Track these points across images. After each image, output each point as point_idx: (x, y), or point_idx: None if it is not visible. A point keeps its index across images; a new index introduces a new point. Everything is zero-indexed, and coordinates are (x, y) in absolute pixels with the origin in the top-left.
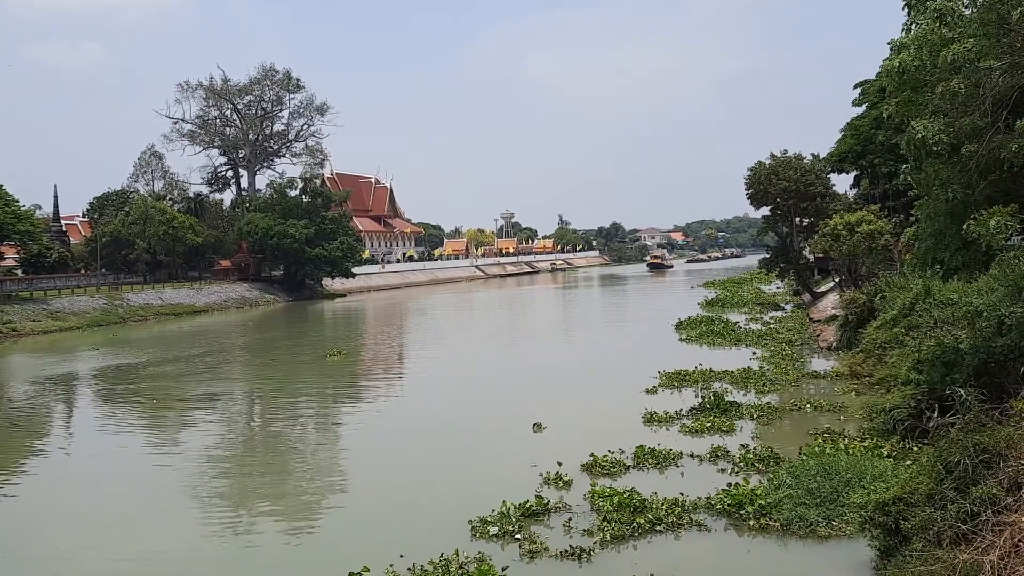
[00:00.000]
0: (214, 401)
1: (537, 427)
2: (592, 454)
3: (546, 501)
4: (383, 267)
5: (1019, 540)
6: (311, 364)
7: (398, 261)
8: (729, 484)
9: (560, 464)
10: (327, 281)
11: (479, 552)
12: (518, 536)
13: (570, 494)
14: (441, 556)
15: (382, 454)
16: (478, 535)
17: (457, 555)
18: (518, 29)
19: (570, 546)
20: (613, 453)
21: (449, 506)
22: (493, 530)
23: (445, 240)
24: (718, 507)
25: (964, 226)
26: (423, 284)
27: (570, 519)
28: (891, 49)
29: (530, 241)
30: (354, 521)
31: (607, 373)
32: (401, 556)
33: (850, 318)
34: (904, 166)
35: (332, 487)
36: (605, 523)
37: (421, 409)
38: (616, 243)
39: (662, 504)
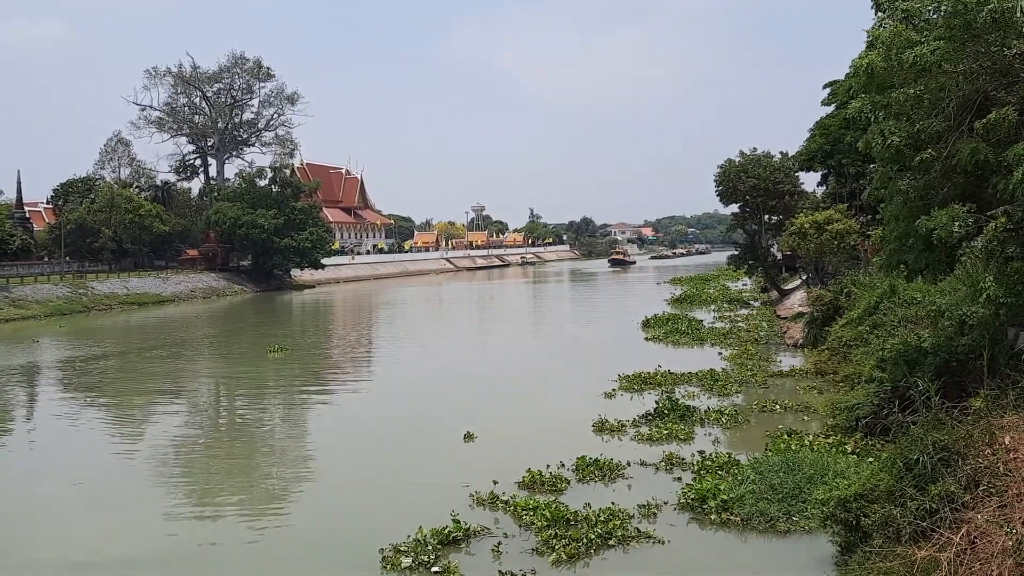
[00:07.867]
0: (134, 403)
1: (468, 436)
2: (529, 469)
3: (466, 525)
4: (353, 258)
5: (975, 537)
6: (250, 361)
7: (368, 252)
8: (686, 486)
9: (496, 483)
10: (296, 272)
11: None
12: (435, 568)
13: (505, 516)
14: None
15: (298, 471)
16: (389, 567)
17: None
18: (493, 23)
19: (500, 572)
20: (551, 467)
21: (369, 530)
22: (406, 561)
23: (415, 232)
24: (681, 502)
25: (916, 222)
26: (393, 276)
27: (500, 543)
28: (867, 42)
29: (501, 234)
30: (258, 550)
31: (565, 375)
32: None
33: (816, 315)
34: (872, 166)
35: (239, 508)
36: (553, 539)
37: (355, 416)
38: (587, 237)
39: (599, 515)
